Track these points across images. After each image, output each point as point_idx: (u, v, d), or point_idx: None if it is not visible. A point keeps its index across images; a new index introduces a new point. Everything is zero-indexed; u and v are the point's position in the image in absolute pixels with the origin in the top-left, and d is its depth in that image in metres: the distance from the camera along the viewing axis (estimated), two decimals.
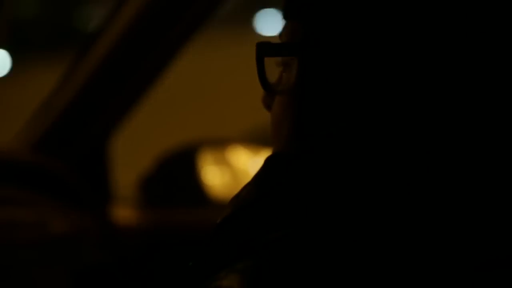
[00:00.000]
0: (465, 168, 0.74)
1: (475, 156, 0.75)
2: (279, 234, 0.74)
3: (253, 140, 2.32)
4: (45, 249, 1.79)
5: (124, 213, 2.05)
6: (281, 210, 0.76)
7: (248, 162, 2.22)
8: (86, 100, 1.97)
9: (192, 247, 0.82)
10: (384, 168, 0.74)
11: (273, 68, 0.85)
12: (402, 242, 0.72)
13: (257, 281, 0.72)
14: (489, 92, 0.75)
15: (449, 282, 0.71)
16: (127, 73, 1.95)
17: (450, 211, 0.73)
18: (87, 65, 1.95)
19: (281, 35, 0.84)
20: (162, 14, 1.88)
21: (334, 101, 0.77)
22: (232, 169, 2.21)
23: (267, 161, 0.81)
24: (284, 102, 0.83)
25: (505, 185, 0.74)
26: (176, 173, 2.21)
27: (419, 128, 0.75)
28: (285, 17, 0.83)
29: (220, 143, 2.27)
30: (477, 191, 0.74)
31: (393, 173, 0.74)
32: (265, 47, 0.83)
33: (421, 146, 0.75)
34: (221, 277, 0.74)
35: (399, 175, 0.74)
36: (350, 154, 0.75)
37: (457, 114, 0.75)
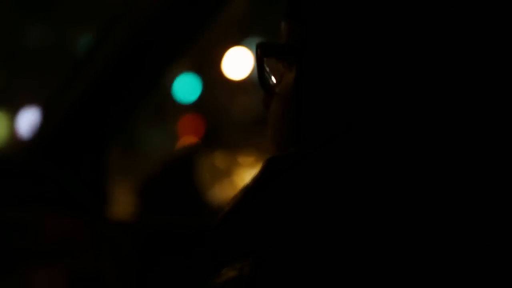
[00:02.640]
0: (465, 168, 0.74)
1: (475, 156, 0.75)
2: (278, 235, 0.74)
3: None
4: (41, 253, 1.79)
5: (121, 218, 2.06)
6: (280, 212, 0.76)
7: (247, 169, 2.22)
8: (85, 106, 1.97)
9: (190, 250, 0.82)
10: (384, 170, 0.74)
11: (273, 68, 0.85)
12: (402, 247, 0.72)
13: (255, 281, 0.72)
14: (488, 92, 0.75)
15: (450, 283, 0.71)
16: (127, 80, 1.96)
17: (450, 211, 0.73)
18: (87, 72, 1.96)
19: (281, 36, 0.84)
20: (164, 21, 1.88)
21: (333, 102, 0.77)
22: (229, 176, 2.21)
23: (266, 163, 0.81)
24: (283, 103, 0.83)
25: (505, 184, 0.74)
26: (174, 180, 2.21)
27: (419, 130, 0.75)
28: (285, 18, 0.84)
29: (219, 150, 2.28)
30: (477, 191, 0.74)
31: (394, 176, 0.74)
32: (265, 47, 0.84)
33: (420, 147, 0.75)
34: (219, 277, 0.74)
35: (399, 178, 0.74)
36: (350, 156, 0.75)
37: (457, 122, 0.75)
